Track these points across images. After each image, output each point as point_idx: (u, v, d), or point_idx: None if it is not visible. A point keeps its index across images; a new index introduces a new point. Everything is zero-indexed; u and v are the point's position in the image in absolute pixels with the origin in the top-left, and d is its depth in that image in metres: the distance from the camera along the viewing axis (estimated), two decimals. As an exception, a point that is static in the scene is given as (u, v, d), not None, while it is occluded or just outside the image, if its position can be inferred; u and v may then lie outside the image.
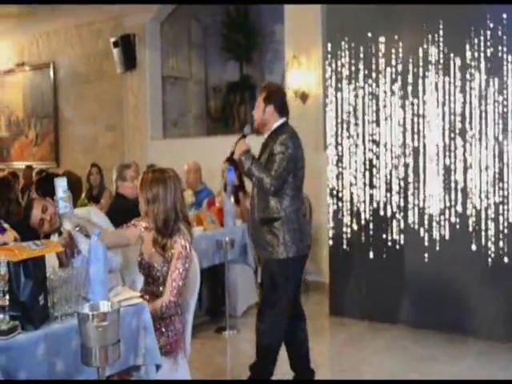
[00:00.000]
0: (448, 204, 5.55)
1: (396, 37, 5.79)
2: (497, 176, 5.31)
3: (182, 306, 3.53)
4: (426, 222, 5.67)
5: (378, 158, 5.95)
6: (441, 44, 5.53)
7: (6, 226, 3.52)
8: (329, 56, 6.25)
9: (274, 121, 4.14)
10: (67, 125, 10.91)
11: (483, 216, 5.36)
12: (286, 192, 4.05)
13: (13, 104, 11.88)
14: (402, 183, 5.81)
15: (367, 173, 6.01)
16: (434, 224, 5.61)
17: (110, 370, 2.77)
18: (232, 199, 6.25)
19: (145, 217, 3.53)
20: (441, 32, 5.52)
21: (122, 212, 4.35)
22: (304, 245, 4.14)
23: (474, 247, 5.40)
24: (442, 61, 5.54)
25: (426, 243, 5.65)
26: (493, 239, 5.32)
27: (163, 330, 3.39)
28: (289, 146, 4.00)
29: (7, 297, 2.84)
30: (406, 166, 5.78)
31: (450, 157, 5.53)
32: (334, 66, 6.21)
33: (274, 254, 4.03)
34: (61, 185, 3.42)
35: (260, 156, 4.17)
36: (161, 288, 3.46)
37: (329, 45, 6.27)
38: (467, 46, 5.39)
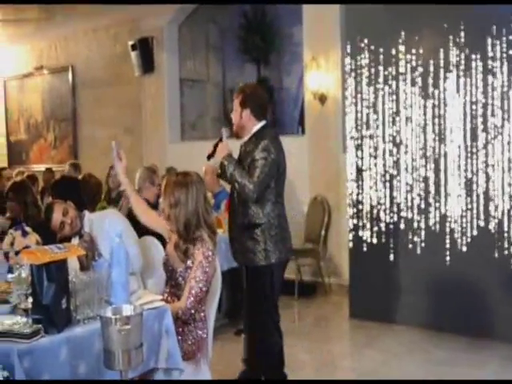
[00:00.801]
0: (470, 206, 5.49)
1: (416, 37, 5.74)
2: (519, 178, 5.25)
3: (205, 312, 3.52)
4: (447, 225, 5.61)
5: (398, 159, 5.90)
6: (462, 44, 5.48)
7: (28, 229, 3.53)
8: (348, 57, 6.22)
9: (253, 124, 4.07)
10: (86, 128, 10.95)
11: (506, 218, 5.30)
12: (268, 197, 3.98)
13: (32, 107, 11.95)
14: (423, 185, 5.76)
15: (387, 175, 5.97)
16: (456, 226, 5.56)
17: (132, 373, 2.77)
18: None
19: (167, 221, 3.52)
20: (462, 33, 5.47)
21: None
22: (286, 249, 4.10)
23: (496, 250, 5.34)
24: (463, 61, 5.49)
25: (448, 246, 5.60)
26: (515, 241, 5.27)
27: (186, 334, 3.38)
28: (271, 151, 3.93)
29: (30, 300, 2.86)
30: (427, 167, 5.73)
31: (471, 158, 5.47)
32: (353, 67, 6.18)
33: (255, 260, 3.98)
34: None
35: (241, 160, 4.09)
36: (181, 292, 3.45)
37: (348, 46, 6.24)
38: (489, 47, 5.33)
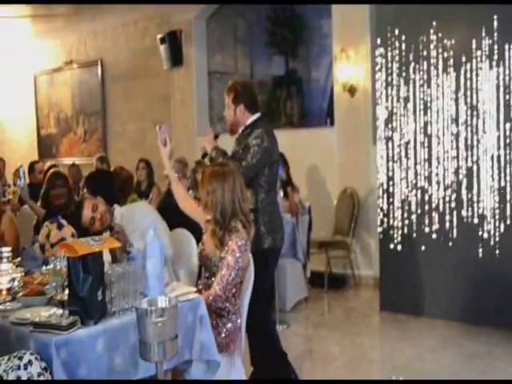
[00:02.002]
0: (503, 198, 5.42)
1: (448, 27, 5.67)
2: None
3: (239, 305, 3.52)
4: (480, 217, 5.55)
5: (429, 151, 5.85)
6: (495, 35, 5.39)
7: (63, 221, 3.56)
8: (378, 48, 6.16)
9: (247, 118, 4.13)
10: (115, 121, 11.01)
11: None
12: (262, 185, 4.05)
13: (61, 102, 12.05)
14: (455, 177, 5.70)
15: (418, 166, 5.92)
16: (489, 218, 5.50)
17: (167, 364, 2.79)
18: (281, 193, 6.22)
19: (205, 209, 3.55)
20: (495, 22, 5.39)
21: (174, 209, 4.35)
22: (279, 237, 4.14)
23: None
24: (495, 51, 5.41)
25: (480, 238, 5.54)
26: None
27: (220, 327, 3.39)
28: (264, 138, 4.01)
29: (66, 292, 2.89)
30: (459, 158, 5.67)
31: (505, 149, 5.40)
32: (383, 58, 6.12)
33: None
34: None
35: (235, 150, 4.15)
36: None
37: (378, 37, 6.18)
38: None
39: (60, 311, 2.83)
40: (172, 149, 3.87)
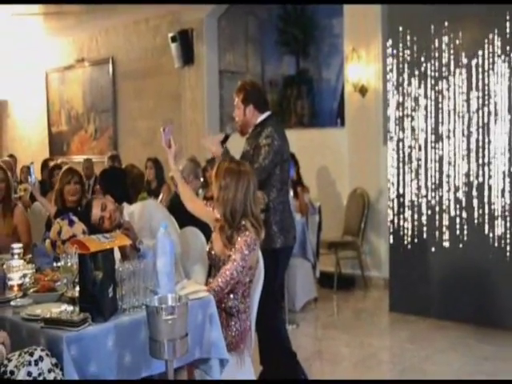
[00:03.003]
0: (514, 200, 5.40)
1: (460, 27, 5.65)
2: None
3: (249, 304, 3.52)
4: (490, 219, 5.52)
5: (440, 152, 5.82)
6: (507, 34, 5.37)
7: (74, 218, 3.57)
8: (390, 48, 6.15)
9: (256, 118, 4.14)
10: (126, 119, 11.04)
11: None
12: (273, 184, 4.05)
13: (73, 99, 12.09)
14: (465, 179, 5.68)
15: (429, 168, 5.90)
16: (499, 221, 5.47)
17: (177, 362, 2.79)
18: (291, 193, 6.21)
19: (216, 203, 3.54)
20: (507, 23, 5.36)
21: (183, 209, 4.34)
22: (291, 236, 4.15)
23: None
24: (507, 52, 5.38)
25: (491, 240, 5.51)
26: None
27: (230, 326, 3.39)
28: (275, 137, 4.00)
29: (77, 288, 2.90)
30: (470, 160, 5.64)
31: (517, 151, 5.38)
32: (395, 58, 6.10)
33: (262, 244, 3.96)
34: None
35: (246, 150, 4.15)
36: None
37: (390, 37, 6.17)
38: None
39: (71, 308, 2.84)
40: (177, 150, 3.85)
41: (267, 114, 4.16)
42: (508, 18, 5.36)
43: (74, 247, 2.84)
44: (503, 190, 5.45)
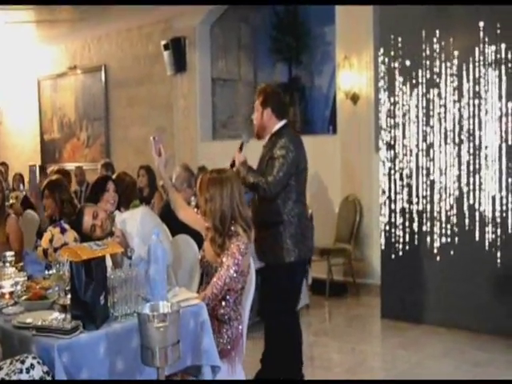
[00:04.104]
0: (505, 207, 5.43)
1: (451, 36, 5.69)
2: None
3: (241, 311, 3.53)
4: (481, 225, 5.55)
5: (432, 159, 5.85)
6: (498, 43, 5.41)
7: (66, 226, 3.57)
8: (381, 56, 6.18)
9: (274, 124, 4.11)
10: (118, 127, 11.05)
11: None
12: (289, 196, 4.01)
13: (65, 106, 12.09)
14: (456, 186, 5.71)
15: (420, 175, 5.93)
16: (490, 227, 5.50)
17: (168, 369, 2.80)
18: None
19: (203, 216, 3.56)
20: (498, 30, 5.41)
21: (175, 216, 4.35)
22: (307, 248, 4.12)
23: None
24: (498, 60, 5.42)
25: (482, 246, 5.54)
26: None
27: (222, 333, 3.40)
28: (290, 148, 3.97)
29: (69, 296, 2.90)
30: (461, 167, 5.67)
31: (507, 157, 5.41)
32: (386, 66, 6.14)
33: (275, 258, 4.00)
34: None
35: (262, 159, 4.14)
36: None
37: (381, 45, 6.20)
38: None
39: (62, 315, 2.84)
40: (167, 158, 3.86)
41: (284, 122, 4.13)
42: (499, 25, 5.40)
43: (66, 255, 2.84)
44: (494, 197, 5.48)
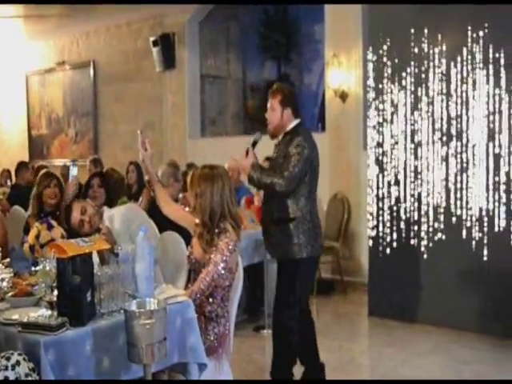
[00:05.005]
0: (492, 205, 5.45)
1: (439, 35, 5.71)
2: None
3: (228, 308, 3.53)
4: (469, 222, 5.58)
5: (420, 158, 5.87)
6: (486, 43, 5.43)
7: (53, 222, 3.56)
8: (370, 54, 6.19)
9: (290, 123, 4.13)
10: (106, 123, 11.01)
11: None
12: (302, 192, 4.03)
13: (53, 102, 12.04)
14: (444, 184, 5.73)
15: (408, 172, 5.94)
16: (477, 224, 5.52)
17: (155, 367, 2.79)
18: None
19: (193, 211, 3.56)
20: (485, 30, 5.43)
21: (162, 213, 4.35)
22: (318, 245, 4.14)
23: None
24: (486, 59, 5.45)
25: (469, 245, 5.56)
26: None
27: (209, 330, 3.40)
28: (305, 146, 3.99)
29: (55, 293, 2.89)
30: (449, 166, 5.69)
31: (494, 155, 5.43)
32: (375, 64, 6.15)
33: (289, 254, 4.02)
34: None
35: (275, 157, 4.16)
36: None
37: (370, 44, 6.22)
38: (513, 45, 5.29)
39: (49, 312, 2.83)
40: (153, 153, 3.85)
41: (298, 120, 4.15)
42: (486, 25, 5.43)
43: (53, 251, 2.83)
44: (481, 196, 5.51)
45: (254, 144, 4.13)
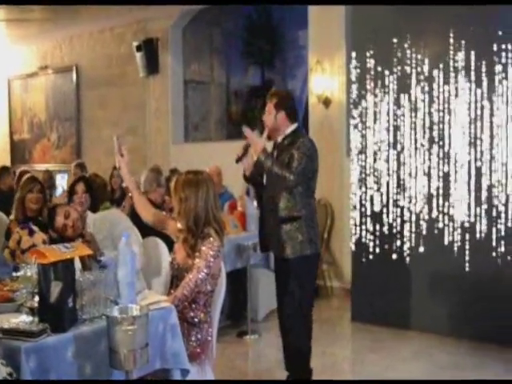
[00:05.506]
0: (473, 212, 5.49)
1: (422, 42, 5.75)
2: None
3: (211, 314, 3.53)
4: (451, 229, 5.61)
5: (402, 164, 5.90)
6: (468, 50, 5.47)
7: (35, 228, 3.53)
8: (353, 61, 6.22)
9: (286, 126, 4.23)
10: (89, 128, 10.96)
11: (510, 224, 5.30)
12: (304, 192, 4.15)
13: (35, 107, 11.97)
14: (426, 190, 5.76)
15: (391, 179, 5.97)
16: (460, 231, 5.56)
17: (137, 373, 2.78)
18: (255, 203, 6.23)
19: (177, 217, 3.55)
20: (469, 37, 5.47)
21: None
22: (319, 242, 4.28)
23: (502, 255, 5.33)
24: (469, 67, 5.49)
25: (451, 251, 5.59)
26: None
27: (191, 336, 3.39)
28: (309, 147, 4.13)
29: (36, 299, 2.86)
30: (431, 172, 5.73)
31: (476, 163, 5.47)
32: (358, 71, 6.18)
33: (297, 250, 4.11)
34: None
35: (276, 157, 4.23)
36: None
37: (353, 50, 6.25)
38: (495, 52, 5.32)
39: (30, 318, 2.81)
40: (129, 159, 3.84)
41: (296, 125, 4.26)
42: (468, 32, 5.46)
43: (34, 257, 2.81)
44: (463, 202, 5.55)
45: (246, 149, 4.27)
